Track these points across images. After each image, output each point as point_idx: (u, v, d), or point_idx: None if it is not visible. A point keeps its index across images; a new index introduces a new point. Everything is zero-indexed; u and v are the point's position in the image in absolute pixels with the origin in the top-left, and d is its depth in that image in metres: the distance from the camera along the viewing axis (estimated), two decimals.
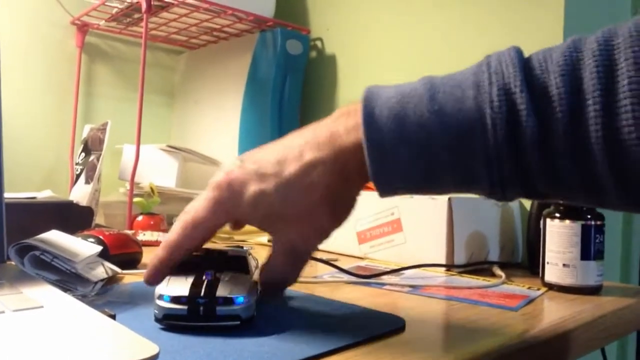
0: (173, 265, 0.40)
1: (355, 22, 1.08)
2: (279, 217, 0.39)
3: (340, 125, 0.38)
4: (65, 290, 0.43)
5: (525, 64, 0.34)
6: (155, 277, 0.40)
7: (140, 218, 0.88)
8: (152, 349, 0.27)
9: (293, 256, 0.41)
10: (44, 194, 0.80)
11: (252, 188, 0.38)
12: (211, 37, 1.17)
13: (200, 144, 1.13)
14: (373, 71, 1.04)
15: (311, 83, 1.15)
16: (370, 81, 1.03)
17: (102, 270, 0.52)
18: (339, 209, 0.40)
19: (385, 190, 0.37)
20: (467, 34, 0.87)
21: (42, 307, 0.35)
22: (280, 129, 1.07)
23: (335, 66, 1.12)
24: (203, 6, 0.97)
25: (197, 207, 0.40)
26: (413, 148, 0.35)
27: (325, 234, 0.40)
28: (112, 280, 0.54)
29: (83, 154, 0.91)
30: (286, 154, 0.39)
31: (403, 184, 0.36)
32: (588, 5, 0.82)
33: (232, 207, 0.39)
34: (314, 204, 0.38)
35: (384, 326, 0.40)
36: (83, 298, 0.44)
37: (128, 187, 0.92)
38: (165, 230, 0.87)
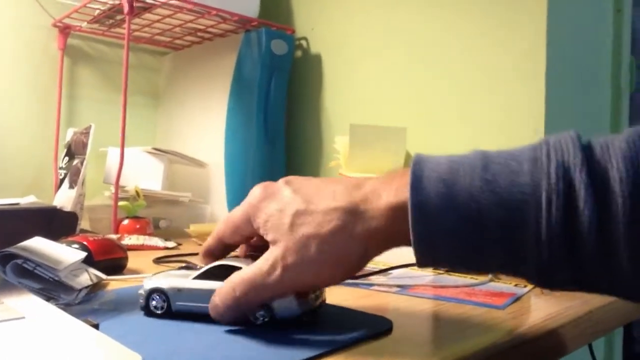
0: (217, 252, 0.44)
1: (341, 21, 1.08)
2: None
3: (386, 185, 0.37)
4: (48, 299, 0.42)
5: (585, 145, 0.32)
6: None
7: (125, 222, 0.87)
8: (135, 358, 0.27)
9: None
10: (27, 200, 0.79)
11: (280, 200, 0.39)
12: (195, 38, 1.16)
13: (186, 146, 1.13)
14: (358, 71, 1.04)
15: (297, 83, 1.15)
16: (355, 81, 1.05)
17: (87, 277, 0.52)
18: (343, 270, 0.38)
19: (425, 256, 0.35)
20: (450, 41, 0.87)
21: (23, 317, 0.34)
22: (266, 129, 1.06)
23: (320, 66, 1.12)
24: (187, 7, 0.97)
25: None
26: (460, 215, 0.33)
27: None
28: (97, 286, 0.53)
29: (67, 158, 0.90)
30: (324, 191, 0.38)
31: (445, 251, 0.34)
32: (570, 9, 0.82)
33: (255, 210, 0.40)
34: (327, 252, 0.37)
35: (371, 329, 0.40)
36: (66, 307, 0.43)
37: (113, 191, 0.91)
38: (152, 234, 0.86)
